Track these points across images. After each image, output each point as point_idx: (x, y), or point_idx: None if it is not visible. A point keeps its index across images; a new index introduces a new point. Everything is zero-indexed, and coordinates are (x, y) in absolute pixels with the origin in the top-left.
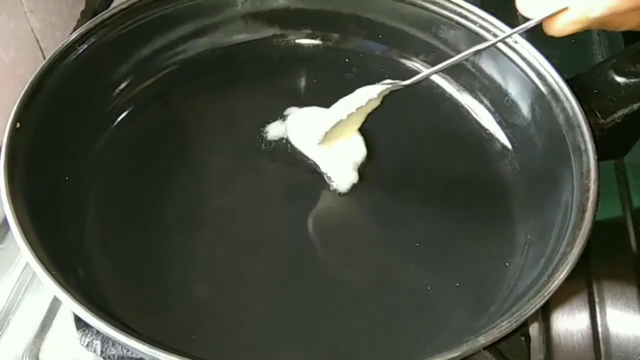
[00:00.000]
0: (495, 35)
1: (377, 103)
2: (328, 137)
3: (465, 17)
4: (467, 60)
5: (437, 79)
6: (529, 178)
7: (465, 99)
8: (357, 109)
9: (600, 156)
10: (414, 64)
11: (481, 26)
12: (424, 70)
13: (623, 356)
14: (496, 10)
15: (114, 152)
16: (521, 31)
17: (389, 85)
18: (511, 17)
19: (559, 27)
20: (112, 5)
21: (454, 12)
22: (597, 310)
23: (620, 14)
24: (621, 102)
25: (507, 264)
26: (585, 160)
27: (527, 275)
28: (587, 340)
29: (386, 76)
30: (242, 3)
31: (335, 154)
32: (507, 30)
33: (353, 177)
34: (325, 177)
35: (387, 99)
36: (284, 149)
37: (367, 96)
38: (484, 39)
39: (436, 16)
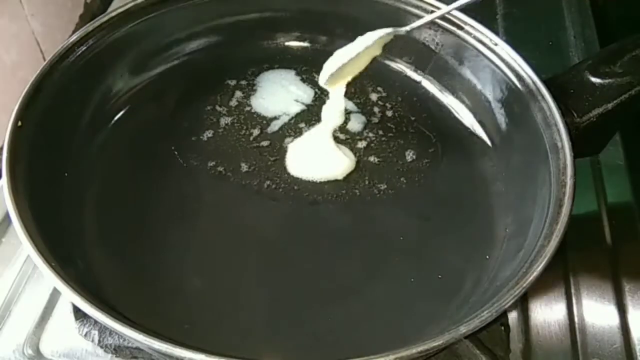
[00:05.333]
0: (476, 38)
1: (377, 51)
2: (333, 78)
3: (447, 19)
4: (449, 61)
5: (420, 79)
6: (508, 174)
7: (448, 99)
8: (357, 54)
9: (577, 153)
10: (398, 65)
11: (465, 30)
12: (407, 71)
13: (598, 345)
14: (477, 13)
15: (112, 150)
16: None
17: (388, 31)
18: (491, 19)
19: None
20: (110, 9)
21: (437, 15)
22: (574, 301)
23: None
24: (596, 101)
25: (487, 256)
26: (562, 157)
27: (506, 268)
28: (563, 330)
29: (369, 76)
30: (234, 8)
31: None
32: (484, 29)
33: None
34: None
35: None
36: (277, 146)
37: (365, 42)
38: (466, 42)
39: (419, 19)
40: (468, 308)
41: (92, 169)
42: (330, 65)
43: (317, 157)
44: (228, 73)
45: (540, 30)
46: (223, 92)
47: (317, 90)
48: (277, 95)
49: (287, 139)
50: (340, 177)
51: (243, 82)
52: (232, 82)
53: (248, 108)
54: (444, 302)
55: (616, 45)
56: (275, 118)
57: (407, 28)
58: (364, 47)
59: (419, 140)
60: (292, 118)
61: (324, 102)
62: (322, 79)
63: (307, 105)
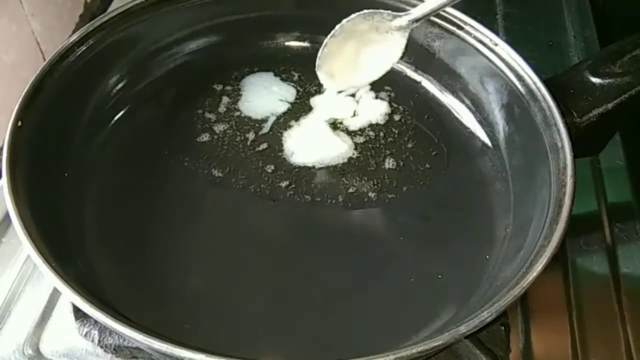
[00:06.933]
0: (476, 38)
1: (383, 44)
2: (327, 68)
3: (449, 21)
4: (449, 62)
5: (420, 79)
6: (508, 174)
7: (447, 99)
8: (341, 27)
9: (577, 153)
10: (398, 65)
11: (465, 30)
12: (407, 71)
13: (598, 345)
14: (477, 13)
15: (112, 149)
16: None
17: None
18: (491, 19)
19: None
20: (110, 9)
21: (437, 15)
22: (574, 300)
23: None
24: (596, 101)
25: (487, 256)
26: (562, 157)
27: (506, 268)
28: (563, 330)
29: None
30: (233, 8)
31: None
32: (484, 29)
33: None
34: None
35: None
36: (277, 146)
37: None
38: (467, 42)
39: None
40: (468, 308)
41: (92, 169)
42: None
43: (316, 142)
44: (228, 72)
45: (540, 30)
46: (224, 91)
47: (299, 88)
48: (262, 96)
49: (281, 138)
50: (340, 160)
51: (244, 81)
52: (233, 81)
53: (238, 113)
54: (444, 302)
55: (616, 45)
56: (264, 120)
57: (411, 17)
58: (339, 26)
59: (420, 140)
60: (281, 117)
61: (307, 98)
62: (316, 62)
63: (292, 103)
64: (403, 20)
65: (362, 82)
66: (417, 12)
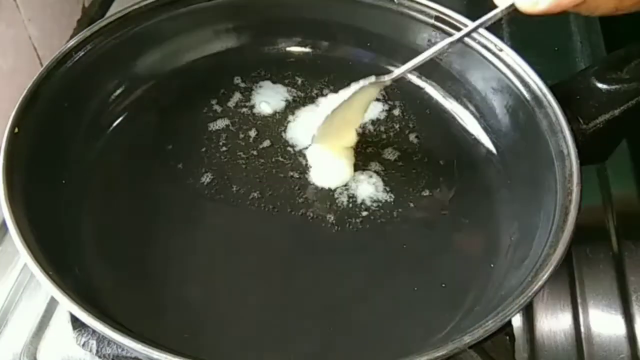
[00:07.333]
0: (480, 44)
1: (365, 99)
2: (322, 136)
3: (451, 25)
4: (453, 67)
5: (423, 84)
6: (514, 182)
7: (451, 105)
8: (341, 104)
9: (583, 161)
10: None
11: (469, 36)
12: (410, 76)
13: (605, 355)
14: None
15: (110, 157)
16: (482, 26)
17: (372, 80)
18: (496, 24)
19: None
20: (108, 14)
21: (441, 20)
22: (580, 310)
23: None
24: (603, 107)
25: (491, 265)
26: (568, 165)
27: (511, 276)
28: (569, 339)
29: None
30: (234, 13)
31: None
32: (489, 34)
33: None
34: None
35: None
36: (277, 153)
37: (350, 91)
38: (470, 47)
39: (423, 25)
40: (472, 317)
41: (90, 176)
42: (315, 122)
43: (319, 166)
44: (227, 79)
45: (545, 36)
46: (221, 98)
47: (300, 92)
48: (263, 102)
49: (283, 143)
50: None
51: (242, 86)
52: (234, 88)
53: (245, 113)
54: (448, 311)
55: (623, 51)
56: (266, 127)
57: (392, 76)
58: (341, 100)
59: (423, 147)
60: (283, 121)
61: (310, 102)
62: (312, 137)
63: (294, 108)
64: (388, 79)
65: (352, 138)
66: (398, 71)
